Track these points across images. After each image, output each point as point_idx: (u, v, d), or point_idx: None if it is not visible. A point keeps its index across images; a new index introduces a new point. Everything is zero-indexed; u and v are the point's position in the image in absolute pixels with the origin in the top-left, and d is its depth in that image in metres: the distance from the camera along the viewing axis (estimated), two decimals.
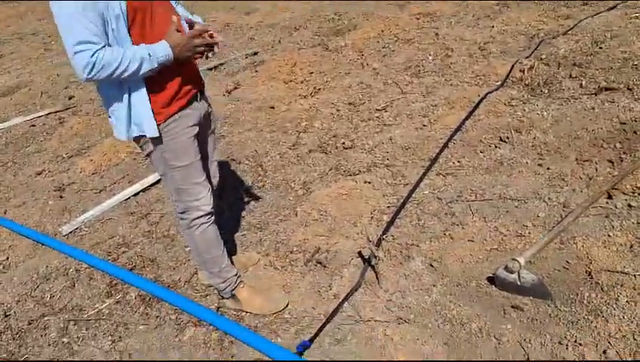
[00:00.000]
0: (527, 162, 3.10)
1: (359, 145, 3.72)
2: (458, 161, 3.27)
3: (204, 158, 2.28)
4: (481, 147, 3.36)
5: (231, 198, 3.40)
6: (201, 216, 2.24)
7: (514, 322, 2.13)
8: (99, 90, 2.02)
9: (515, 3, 5.86)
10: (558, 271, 2.31)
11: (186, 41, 1.91)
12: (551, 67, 4.11)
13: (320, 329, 2.27)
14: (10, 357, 2.51)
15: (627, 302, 2.06)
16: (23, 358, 2.49)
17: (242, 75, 5.52)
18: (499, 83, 4.09)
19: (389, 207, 3.00)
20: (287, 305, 2.45)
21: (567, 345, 1.97)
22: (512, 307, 2.20)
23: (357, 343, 2.19)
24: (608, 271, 2.22)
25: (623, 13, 4.81)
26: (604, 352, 1.90)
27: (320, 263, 2.68)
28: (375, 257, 2.52)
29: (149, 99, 1.94)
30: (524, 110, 3.63)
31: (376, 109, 4.15)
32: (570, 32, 4.69)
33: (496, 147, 3.32)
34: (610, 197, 2.65)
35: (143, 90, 1.92)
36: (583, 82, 3.77)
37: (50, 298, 2.86)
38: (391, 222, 2.83)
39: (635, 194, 2.63)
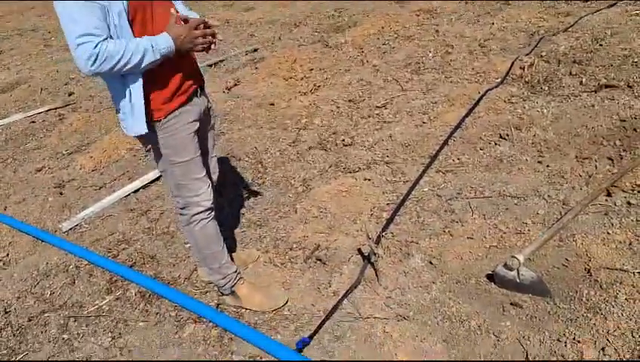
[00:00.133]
0: (526, 159, 3.11)
1: (359, 142, 3.72)
2: (458, 159, 3.27)
3: (204, 154, 2.28)
4: (481, 144, 3.36)
5: (231, 195, 3.41)
6: (201, 212, 2.24)
7: (513, 319, 2.14)
8: (108, 86, 2.03)
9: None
10: (557, 268, 2.32)
11: (187, 32, 1.91)
12: (551, 64, 4.11)
13: (319, 326, 2.27)
14: (10, 353, 2.52)
15: (626, 299, 2.07)
16: (23, 354, 2.50)
17: (242, 71, 5.52)
18: (499, 80, 4.08)
19: (388, 204, 3.00)
20: (286, 302, 2.45)
21: (565, 343, 1.97)
22: (511, 304, 2.20)
23: (356, 340, 2.20)
24: (607, 268, 2.23)
25: (623, 11, 4.80)
26: (603, 350, 1.91)
27: (319, 260, 2.68)
28: (374, 254, 2.52)
29: (145, 95, 1.93)
30: (524, 107, 3.63)
31: (376, 106, 4.15)
32: (570, 29, 4.68)
33: (496, 144, 3.32)
34: (609, 194, 2.66)
35: (140, 86, 1.91)
36: (583, 79, 3.76)
37: (51, 294, 2.87)
38: (390, 220, 2.84)
39: (635, 191, 2.63)
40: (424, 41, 5.24)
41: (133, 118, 1.96)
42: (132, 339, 2.46)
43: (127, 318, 2.58)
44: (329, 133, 3.93)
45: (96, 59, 1.75)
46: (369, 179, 3.25)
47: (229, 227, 3.06)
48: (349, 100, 4.35)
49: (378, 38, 5.57)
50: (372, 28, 5.85)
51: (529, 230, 2.57)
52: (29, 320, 2.70)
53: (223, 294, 2.53)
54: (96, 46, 1.73)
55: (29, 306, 2.81)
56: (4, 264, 3.22)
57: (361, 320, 2.29)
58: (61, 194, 3.88)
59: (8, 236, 3.48)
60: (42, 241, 3.32)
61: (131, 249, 3.10)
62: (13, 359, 2.48)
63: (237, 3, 8.53)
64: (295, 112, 4.36)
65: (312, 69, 5.11)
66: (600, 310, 2.06)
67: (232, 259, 2.50)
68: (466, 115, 3.68)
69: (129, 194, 3.66)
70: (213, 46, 2.04)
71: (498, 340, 2.07)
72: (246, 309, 2.47)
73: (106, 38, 1.77)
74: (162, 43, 1.85)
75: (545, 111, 3.52)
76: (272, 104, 4.58)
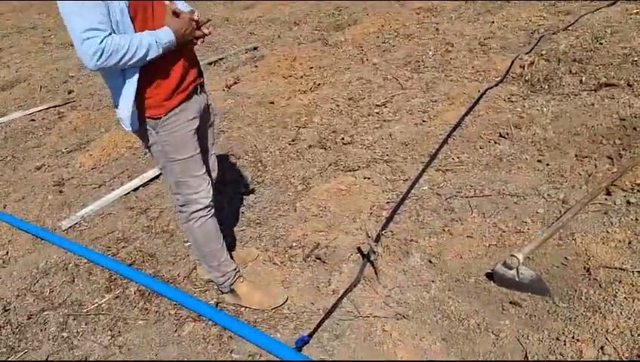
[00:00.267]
0: (526, 158, 3.10)
1: (359, 140, 3.71)
2: (457, 157, 3.27)
3: (204, 152, 2.29)
4: (481, 143, 3.36)
5: (230, 193, 3.40)
6: (201, 209, 2.25)
7: (512, 318, 2.14)
8: (105, 81, 2.03)
9: None
10: (556, 267, 2.32)
11: (188, 25, 1.95)
12: (551, 63, 4.11)
13: (319, 325, 2.28)
14: (9, 351, 2.52)
15: (625, 298, 2.07)
16: (22, 352, 2.50)
17: (242, 69, 5.51)
18: (499, 79, 4.08)
19: (388, 202, 3.00)
20: (286, 301, 2.45)
21: (564, 341, 1.97)
22: (511, 303, 2.20)
23: (356, 339, 2.20)
24: (607, 267, 2.23)
25: (623, 9, 4.80)
26: (602, 348, 1.91)
27: (319, 259, 2.68)
28: (374, 253, 2.52)
29: (145, 92, 1.95)
30: (524, 106, 3.62)
31: (376, 105, 4.15)
32: (570, 28, 4.67)
33: (495, 143, 3.32)
34: (609, 193, 2.66)
35: (134, 83, 1.91)
36: (583, 78, 3.76)
37: (50, 293, 2.87)
38: (390, 218, 2.84)
39: (634, 190, 2.63)
40: (424, 39, 5.23)
41: (130, 113, 1.97)
42: (131, 338, 2.46)
43: (127, 316, 2.58)
44: (329, 131, 3.92)
45: (102, 54, 1.76)
46: (369, 178, 3.25)
47: (229, 225, 3.06)
48: (349, 99, 4.35)
49: (378, 37, 5.57)
50: (372, 26, 5.84)
51: (528, 229, 2.57)
52: (29, 319, 2.70)
53: (222, 292, 2.53)
54: (101, 41, 1.75)
55: (29, 304, 2.81)
56: (3, 262, 3.23)
57: (360, 319, 2.29)
58: (61, 192, 3.88)
59: (8, 234, 3.48)
60: (42, 239, 3.32)
61: (131, 247, 3.10)
62: (12, 357, 2.48)
63: (236, 2, 8.51)
64: (295, 111, 4.36)
65: (311, 68, 5.11)
66: (599, 309, 2.06)
67: (231, 258, 2.50)
68: (466, 114, 3.68)
69: (128, 193, 3.66)
70: (207, 31, 2.08)
71: (497, 339, 2.07)
72: (245, 308, 2.47)
73: (111, 34, 1.78)
74: (164, 37, 1.88)
75: (545, 109, 3.52)
76: (272, 102, 4.58)
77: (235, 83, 5.15)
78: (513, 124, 3.43)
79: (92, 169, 4.13)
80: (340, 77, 4.80)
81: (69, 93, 5.92)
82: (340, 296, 2.41)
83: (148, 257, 2.98)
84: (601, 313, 2.04)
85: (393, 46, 5.26)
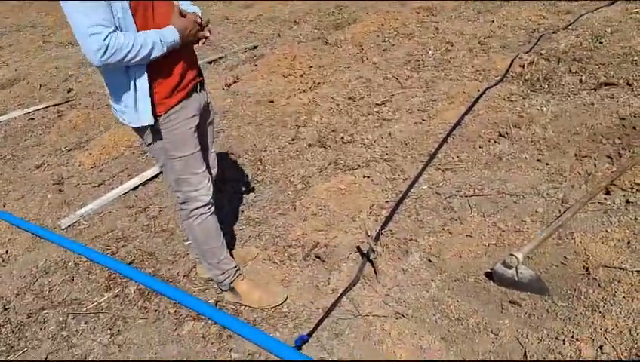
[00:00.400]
0: (526, 157, 3.10)
1: (358, 139, 3.71)
2: (457, 156, 3.27)
3: (204, 149, 2.30)
4: (480, 142, 3.35)
5: (230, 192, 3.40)
6: (201, 207, 2.26)
7: (511, 317, 2.14)
8: (105, 78, 2.04)
9: None
10: (555, 266, 2.32)
11: (192, 25, 1.98)
12: (551, 62, 4.10)
13: (318, 324, 2.28)
14: (9, 349, 2.52)
15: (624, 297, 2.07)
16: (22, 351, 2.50)
17: (241, 68, 5.51)
18: (498, 78, 4.08)
19: (387, 201, 3.00)
20: (286, 299, 2.45)
21: (564, 341, 1.98)
22: (510, 302, 2.20)
23: (355, 338, 2.20)
24: (606, 266, 2.23)
25: (623, 9, 4.79)
26: (601, 348, 1.91)
27: (318, 258, 2.69)
28: (373, 252, 2.52)
29: (150, 88, 1.96)
30: (524, 105, 3.62)
31: (376, 104, 4.15)
32: (570, 27, 4.67)
33: (495, 142, 3.32)
34: (608, 193, 2.66)
35: (145, 78, 1.93)
36: (583, 77, 3.76)
37: (50, 291, 2.87)
38: (389, 217, 2.84)
39: (634, 190, 2.63)
40: (424, 38, 5.23)
41: (137, 110, 1.98)
42: (131, 336, 2.46)
43: (126, 315, 2.59)
44: (328, 130, 3.92)
45: (106, 51, 1.77)
46: (368, 177, 3.25)
47: (228, 224, 3.06)
48: (349, 98, 4.35)
49: (378, 36, 5.56)
50: (372, 25, 5.84)
51: (528, 228, 2.57)
52: (28, 317, 2.71)
53: (222, 290, 2.53)
54: (106, 37, 1.76)
55: (28, 303, 2.82)
56: (3, 261, 3.23)
57: (359, 318, 2.29)
58: (60, 191, 3.88)
59: (7, 233, 3.48)
60: (41, 238, 3.32)
61: (130, 246, 3.10)
62: (12, 355, 2.49)
63: (236, 1, 8.50)
64: (294, 110, 4.36)
65: (311, 67, 5.10)
66: (598, 308, 2.06)
67: (231, 256, 2.50)
68: (466, 113, 3.68)
69: (128, 192, 3.66)
70: (208, 34, 2.11)
71: (497, 338, 2.07)
72: (245, 306, 2.47)
73: (115, 30, 1.80)
74: (169, 36, 1.90)
75: (544, 109, 3.52)
76: (272, 101, 4.58)
77: (235, 82, 5.15)
78: (513, 124, 3.43)
79: (91, 168, 4.13)
80: (340, 76, 4.80)
81: (69, 91, 5.91)
82: (339, 294, 2.41)
83: (147, 256, 2.98)
84: (600, 312, 2.04)
85: (393, 45, 5.26)
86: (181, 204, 2.28)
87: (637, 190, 2.62)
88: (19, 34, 8.93)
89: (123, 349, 2.40)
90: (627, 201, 2.57)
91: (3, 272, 3.10)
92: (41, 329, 2.62)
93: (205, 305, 2.47)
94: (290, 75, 5.03)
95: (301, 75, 4.96)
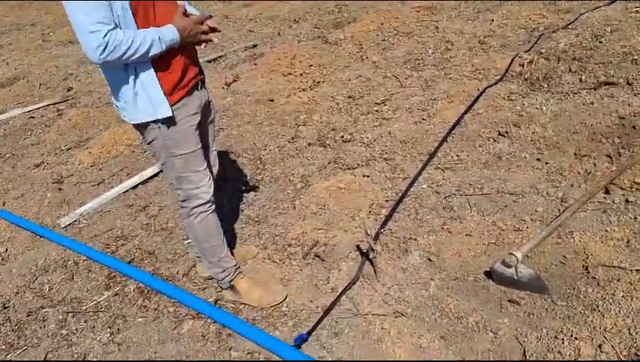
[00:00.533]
0: (525, 157, 3.11)
1: (358, 138, 3.71)
2: (457, 155, 3.27)
3: (205, 148, 2.30)
4: (480, 141, 3.36)
5: (230, 191, 3.40)
6: (201, 205, 2.26)
7: (511, 316, 2.15)
8: (105, 75, 2.05)
9: None
10: (555, 265, 2.32)
11: (193, 25, 1.99)
12: (550, 61, 4.10)
13: (318, 323, 2.28)
14: (9, 348, 2.52)
15: (623, 296, 2.07)
16: (22, 349, 2.50)
17: (241, 67, 5.50)
18: (498, 77, 4.08)
19: (387, 200, 3.00)
20: (285, 298, 2.46)
21: (563, 340, 1.98)
22: (509, 301, 2.21)
23: (354, 336, 2.21)
24: (605, 265, 2.23)
25: (623, 8, 4.79)
26: (600, 347, 1.92)
27: (318, 256, 2.69)
28: (373, 251, 2.52)
29: (159, 81, 1.97)
30: (524, 104, 3.62)
31: (376, 103, 4.15)
32: (570, 26, 4.67)
33: (494, 141, 3.32)
34: (607, 192, 2.66)
35: (152, 73, 1.95)
36: (583, 77, 3.76)
37: (49, 290, 2.87)
38: (389, 216, 2.84)
39: (633, 189, 2.63)
40: (424, 37, 5.23)
41: (136, 106, 1.99)
42: (130, 335, 2.46)
43: (126, 314, 2.59)
44: (328, 129, 3.92)
45: (105, 48, 1.79)
46: (368, 176, 3.25)
47: (228, 223, 3.06)
48: (349, 97, 4.35)
49: (378, 35, 5.56)
50: (372, 24, 5.84)
51: (527, 227, 2.57)
52: (28, 316, 2.71)
53: (222, 288, 2.53)
54: (105, 35, 1.78)
55: (28, 301, 2.82)
56: (2, 259, 3.23)
57: (359, 317, 2.29)
58: (60, 189, 3.88)
59: (7, 231, 3.48)
60: (41, 237, 3.32)
61: (130, 245, 3.10)
62: (12, 354, 2.49)
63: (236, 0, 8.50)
64: (294, 108, 4.36)
65: (311, 65, 5.10)
66: (597, 307, 2.06)
67: (231, 254, 2.50)
68: (465, 112, 3.68)
69: (128, 190, 3.66)
70: (215, 40, 2.12)
71: (496, 337, 2.07)
72: (244, 305, 2.47)
73: (115, 28, 1.81)
74: (168, 35, 1.91)
75: (544, 108, 3.52)
76: (271, 100, 4.58)
77: (235, 81, 5.15)
78: (512, 123, 3.43)
79: (91, 166, 4.13)
80: (340, 75, 4.80)
81: (69, 90, 5.91)
82: (338, 293, 2.41)
83: (147, 255, 2.99)
84: (599, 311, 2.04)
85: (393, 44, 5.26)
86: (182, 201, 2.28)
87: (636, 189, 2.63)
88: (19, 32, 8.92)
89: (122, 348, 2.40)
90: (626, 201, 2.57)
91: (3, 271, 3.10)
92: (40, 327, 2.62)
93: (205, 304, 2.47)
94: (290, 73, 5.03)
95: (301, 74, 4.96)
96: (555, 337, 2.00)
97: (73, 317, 2.64)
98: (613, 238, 2.37)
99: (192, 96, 2.11)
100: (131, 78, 1.94)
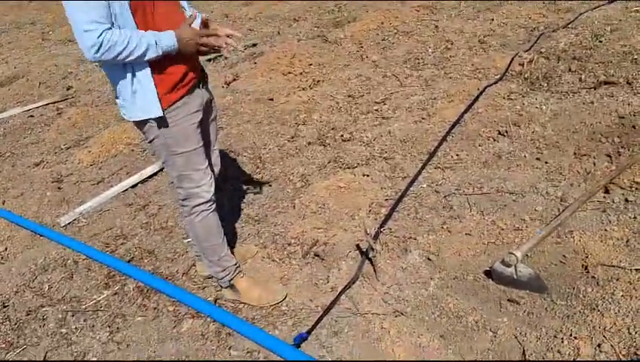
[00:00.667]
0: (525, 156, 3.11)
1: (358, 137, 3.71)
2: (456, 155, 3.27)
3: (206, 146, 2.30)
4: (480, 140, 3.36)
5: (229, 190, 3.40)
6: (202, 203, 2.26)
7: (510, 315, 2.15)
8: (106, 72, 2.06)
9: None
10: (554, 265, 2.32)
11: (193, 37, 1.98)
12: (550, 61, 4.10)
13: (317, 322, 2.28)
14: (8, 347, 2.52)
15: (623, 296, 2.07)
16: (21, 348, 2.50)
17: (241, 66, 5.50)
18: (498, 76, 4.08)
19: (387, 200, 3.00)
20: (285, 297, 2.46)
21: (562, 339, 1.98)
22: (509, 300, 2.21)
23: (354, 336, 2.21)
24: (605, 265, 2.23)
25: (623, 7, 4.79)
26: (599, 346, 1.92)
27: (318, 256, 2.69)
28: (373, 250, 2.53)
29: (154, 81, 1.97)
30: (523, 104, 3.62)
31: (375, 102, 4.14)
32: (570, 26, 4.67)
33: (494, 140, 3.32)
34: (607, 191, 2.66)
35: (148, 72, 1.95)
36: (583, 76, 3.76)
37: (49, 289, 2.87)
38: (389, 215, 2.84)
39: (633, 188, 2.63)
40: (424, 36, 5.23)
41: (135, 104, 2.00)
42: (130, 334, 2.46)
43: (125, 313, 2.59)
44: (328, 128, 3.92)
45: (99, 48, 1.80)
46: (367, 175, 3.25)
47: (228, 222, 3.05)
48: (348, 96, 4.35)
49: (377, 34, 5.56)
50: (372, 23, 5.83)
51: (527, 226, 2.57)
52: (28, 315, 2.71)
53: (222, 287, 2.53)
54: (100, 35, 1.79)
55: (28, 300, 2.82)
56: (2, 258, 3.23)
57: (358, 316, 2.29)
58: (59, 188, 3.88)
59: (7, 230, 3.48)
60: (40, 236, 3.32)
61: (129, 244, 3.10)
62: (11, 352, 2.49)
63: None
64: (294, 108, 4.36)
65: (311, 64, 5.10)
66: (597, 307, 2.06)
67: (231, 253, 2.51)
68: (465, 111, 3.68)
69: (127, 189, 3.66)
70: (225, 52, 2.10)
71: (495, 336, 2.07)
72: (244, 304, 2.47)
73: (111, 28, 1.82)
74: (166, 41, 1.91)
75: (544, 107, 3.52)
76: (271, 99, 4.58)
77: (234, 80, 5.14)
78: (512, 122, 3.43)
79: (91, 165, 4.13)
80: (340, 74, 4.80)
81: (68, 89, 5.91)
82: (338, 293, 2.41)
83: (146, 254, 2.98)
84: (598, 311, 2.04)
85: (393, 43, 5.25)
86: (182, 200, 2.28)
87: (636, 189, 2.63)
88: (18, 31, 8.91)
89: (122, 347, 2.40)
90: (626, 200, 2.57)
91: (2, 270, 3.10)
92: (40, 326, 2.62)
93: (204, 303, 2.47)
94: (289, 72, 5.02)
95: (301, 73, 4.96)
96: (555, 336, 2.00)
97: (73, 316, 2.64)
98: (612, 238, 2.37)
99: (193, 94, 2.11)
100: (130, 76, 1.95)
